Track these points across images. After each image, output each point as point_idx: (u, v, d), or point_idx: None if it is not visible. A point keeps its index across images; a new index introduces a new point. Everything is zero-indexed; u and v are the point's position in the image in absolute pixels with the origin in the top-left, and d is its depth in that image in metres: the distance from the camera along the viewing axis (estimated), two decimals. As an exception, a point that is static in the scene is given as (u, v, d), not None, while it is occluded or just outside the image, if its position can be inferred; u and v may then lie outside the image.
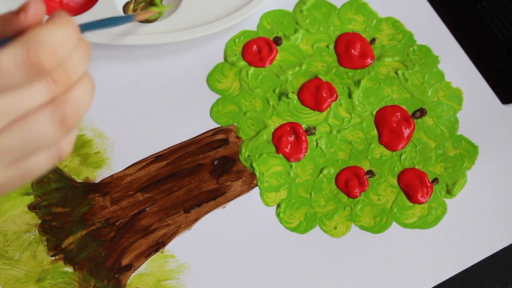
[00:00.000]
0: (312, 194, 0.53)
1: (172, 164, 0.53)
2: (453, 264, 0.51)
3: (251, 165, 0.53)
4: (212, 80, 0.56)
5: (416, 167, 0.53)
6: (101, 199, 0.52)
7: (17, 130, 0.33)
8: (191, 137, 0.54)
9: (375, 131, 0.55)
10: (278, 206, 0.52)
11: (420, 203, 0.52)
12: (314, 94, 0.55)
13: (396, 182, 0.53)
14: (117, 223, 0.52)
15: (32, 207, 0.52)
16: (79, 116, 0.34)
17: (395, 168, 0.53)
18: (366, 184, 0.53)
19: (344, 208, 0.52)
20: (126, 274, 0.50)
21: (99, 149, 0.54)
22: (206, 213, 0.52)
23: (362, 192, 0.53)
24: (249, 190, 0.53)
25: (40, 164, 0.34)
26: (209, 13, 0.56)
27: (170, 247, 0.51)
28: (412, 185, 0.53)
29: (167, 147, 0.54)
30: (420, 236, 0.51)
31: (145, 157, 0.54)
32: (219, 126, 0.55)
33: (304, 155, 0.54)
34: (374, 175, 0.53)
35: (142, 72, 0.56)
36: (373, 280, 0.50)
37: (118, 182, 0.53)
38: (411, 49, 0.57)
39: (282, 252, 0.51)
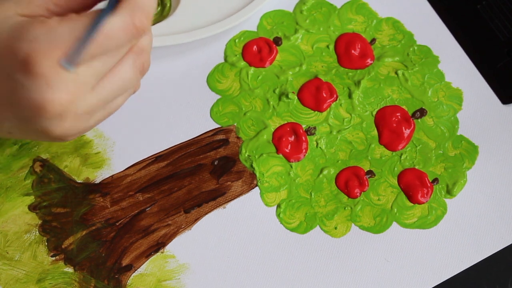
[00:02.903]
0: (312, 194, 0.53)
1: (172, 165, 0.54)
2: (453, 264, 0.51)
3: (251, 165, 0.53)
4: (212, 80, 0.56)
5: (416, 167, 0.53)
6: (102, 200, 0.52)
7: (109, 83, 0.37)
8: (191, 138, 0.54)
9: (375, 131, 0.55)
10: (278, 206, 0.52)
11: (420, 203, 0.52)
12: (314, 94, 0.55)
13: (396, 182, 0.53)
14: (117, 224, 0.52)
15: (32, 208, 0.52)
16: (149, 62, 0.39)
17: (395, 168, 0.53)
18: (366, 184, 0.53)
19: (344, 208, 0.52)
20: (127, 274, 0.50)
21: (99, 150, 0.54)
22: (206, 213, 0.52)
23: (362, 192, 0.53)
24: (249, 190, 0.53)
25: (121, 102, 0.40)
26: (208, 14, 0.56)
27: (170, 247, 0.51)
28: (412, 185, 0.53)
29: (167, 148, 0.54)
30: (420, 236, 0.51)
31: (145, 157, 0.54)
32: (219, 126, 0.55)
33: (304, 155, 0.54)
34: (374, 175, 0.53)
35: (142, 72, 0.56)
36: (373, 280, 0.50)
37: (118, 183, 0.53)
38: (411, 49, 0.57)
39: (282, 252, 0.51)
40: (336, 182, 0.53)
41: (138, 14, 0.35)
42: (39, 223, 0.52)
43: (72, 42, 0.34)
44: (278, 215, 0.52)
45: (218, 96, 0.56)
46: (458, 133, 0.55)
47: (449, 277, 0.50)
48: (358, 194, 0.53)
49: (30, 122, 0.36)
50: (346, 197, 0.53)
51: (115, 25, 0.34)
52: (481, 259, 0.51)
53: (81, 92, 0.35)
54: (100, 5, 0.36)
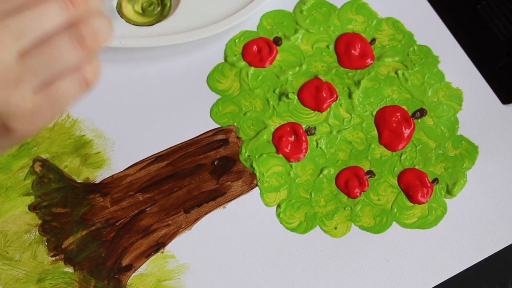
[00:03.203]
0: (312, 194, 0.53)
1: (172, 165, 0.54)
2: (453, 264, 0.51)
3: (251, 165, 0.53)
4: (212, 80, 0.56)
5: (416, 167, 0.53)
6: (102, 200, 0.52)
7: (38, 51, 0.33)
8: (191, 138, 0.54)
9: (375, 131, 0.55)
10: (278, 206, 0.52)
11: (420, 203, 0.52)
12: (314, 94, 0.55)
13: (396, 182, 0.53)
14: (117, 224, 0.52)
15: (32, 208, 0.52)
16: (98, 40, 0.34)
17: (395, 168, 0.53)
18: (366, 184, 0.53)
19: (344, 208, 0.52)
20: (127, 274, 0.50)
21: (99, 150, 0.54)
22: (206, 213, 0.52)
23: (362, 192, 0.53)
24: (249, 190, 0.53)
25: (68, 90, 0.34)
26: (208, 14, 0.56)
27: (170, 247, 0.51)
28: (412, 185, 0.53)
29: (167, 148, 0.54)
30: (420, 236, 0.51)
31: (145, 157, 0.54)
32: (219, 126, 0.55)
33: (304, 155, 0.54)
34: (374, 175, 0.53)
35: (142, 72, 0.56)
36: (373, 280, 0.50)
37: (118, 183, 0.53)
38: (411, 49, 0.57)
39: (282, 252, 0.51)
40: (336, 182, 0.53)
41: None
42: (39, 223, 0.52)
43: None
44: (278, 215, 0.52)
45: (218, 96, 0.56)
46: (458, 133, 0.55)
47: (449, 277, 0.50)
48: (358, 194, 0.53)
49: None
50: (346, 197, 0.53)
51: None
52: (481, 259, 0.51)
53: None
54: None
